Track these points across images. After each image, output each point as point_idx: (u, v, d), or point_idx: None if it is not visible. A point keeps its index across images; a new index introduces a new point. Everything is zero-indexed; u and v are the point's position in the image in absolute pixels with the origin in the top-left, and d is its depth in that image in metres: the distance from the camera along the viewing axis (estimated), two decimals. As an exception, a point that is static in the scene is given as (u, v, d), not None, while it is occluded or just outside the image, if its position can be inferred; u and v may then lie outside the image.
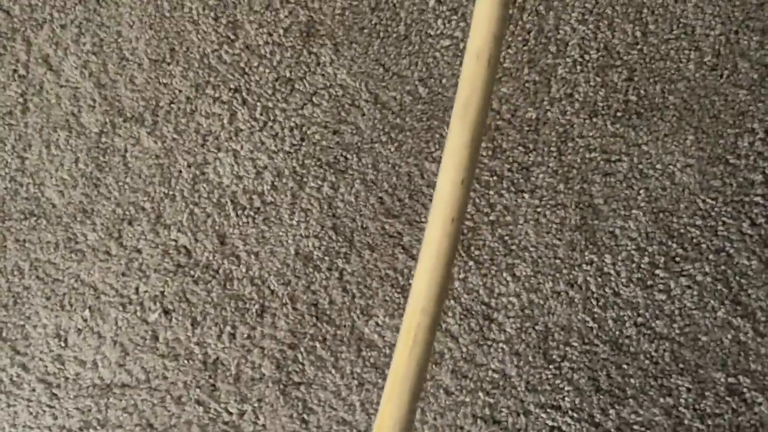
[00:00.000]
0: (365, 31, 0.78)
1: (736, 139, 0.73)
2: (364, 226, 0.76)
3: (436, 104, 0.77)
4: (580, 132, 0.74)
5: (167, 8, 0.80)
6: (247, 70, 0.79)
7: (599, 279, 0.73)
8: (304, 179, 0.77)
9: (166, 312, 0.76)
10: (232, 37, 0.80)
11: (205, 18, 0.80)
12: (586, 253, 0.73)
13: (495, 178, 0.75)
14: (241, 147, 0.78)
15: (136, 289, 0.77)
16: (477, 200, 0.75)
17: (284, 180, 0.77)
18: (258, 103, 0.79)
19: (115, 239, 0.78)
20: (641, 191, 0.73)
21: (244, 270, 0.76)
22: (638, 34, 0.75)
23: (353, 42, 0.78)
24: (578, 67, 0.75)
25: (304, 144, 0.78)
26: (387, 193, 0.77)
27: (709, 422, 0.70)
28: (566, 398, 0.72)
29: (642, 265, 0.72)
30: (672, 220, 0.73)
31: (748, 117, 0.73)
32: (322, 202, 0.77)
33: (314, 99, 0.78)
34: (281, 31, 0.79)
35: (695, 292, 0.72)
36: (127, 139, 0.79)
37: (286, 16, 0.79)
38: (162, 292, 0.77)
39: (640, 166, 0.73)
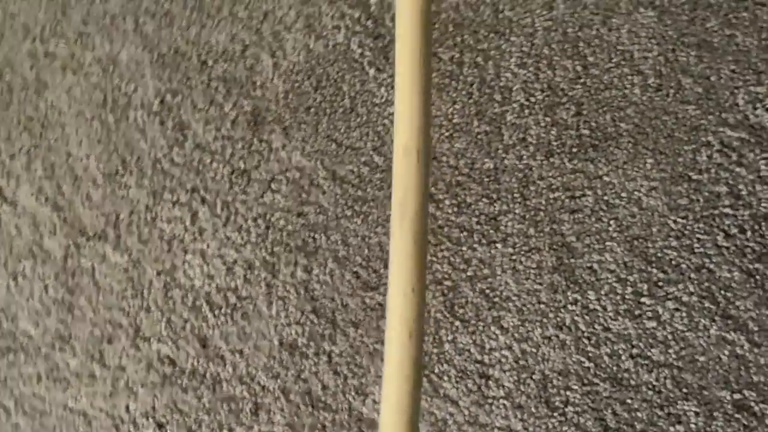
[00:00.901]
0: (311, 110, 0.87)
1: (694, 154, 0.80)
2: (345, 303, 0.83)
3: (392, 171, 0.84)
4: (540, 174, 0.82)
5: (112, 121, 0.89)
6: (201, 168, 0.87)
7: (587, 317, 0.80)
8: (276, 267, 0.84)
9: (160, 426, 0.83)
10: (181, 138, 0.88)
11: (152, 124, 0.88)
12: (569, 293, 0.80)
13: (465, 233, 0.82)
14: (208, 246, 0.85)
15: (126, 407, 0.83)
16: (452, 258, 0.82)
17: (256, 272, 0.84)
18: (217, 200, 0.86)
19: (97, 361, 0.85)
20: (611, 222, 0.80)
21: (231, 370, 0.83)
22: (579, 68, 0.83)
23: (302, 123, 0.87)
24: (526, 111, 0.83)
25: (270, 232, 0.85)
26: (361, 267, 0.84)
27: (722, 444, 0.76)
28: (575, 445, 0.77)
29: (626, 296, 0.79)
30: (647, 246, 0.80)
31: (702, 131, 0.81)
32: (297, 287, 0.84)
33: (273, 185, 0.86)
34: (229, 125, 0.87)
35: (684, 314, 0.78)
36: (93, 258, 0.87)
37: (231, 109, 0.87)
38: (153, 407, 0.83)
39: (606, 198, 0.81)
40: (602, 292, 0.78)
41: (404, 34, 0.53)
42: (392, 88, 0.85)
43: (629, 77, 0.81)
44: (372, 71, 0.85)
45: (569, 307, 0.79)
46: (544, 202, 0.80)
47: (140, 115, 0.88)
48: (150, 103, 0.88)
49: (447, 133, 0.83)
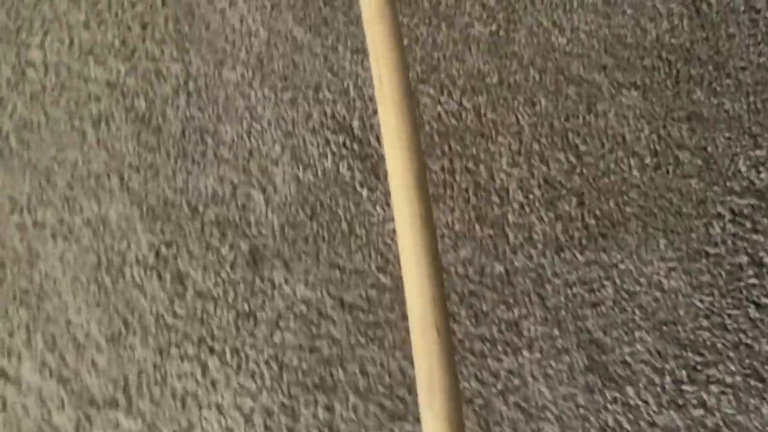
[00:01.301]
0: (310, 240, 0.88)
1: (707, 228, 0.81)
2: (373, 438, 0.82)
3: (402, 288, 0.85)
4: (553, 271, 0.83)
5: (109, 282, 0.90)
6: (205, 317, 0.88)
7: (630, 414, 0.78)
8: (296, 410, 0.84)
9: None
10: (181, 289, 0.89)
11: (149, 279, 0.90)
12: (607, 392, 0.79)
13: (487, 344, 0.82)
14: (222, 397, 0.85)
15: None
16: (478, 373, 0.81)
17: (276, 418, 0.84)
18: (226, 347, 0.87)
19: None
20: (636, 310, 0.80)
21: None
22: (572, 159, 0.85)
23: (302, 254, 0.88)
24: (527, 209, 0.85)
25: (284, 373, 0.85)
26: (385, 396, 0.83)
27: None
28: None
29: (666, 386, 0.78)
30: (678, 330, 0.79)
31: (710, 203, 0.82)
32: (321, 427, 0.83)
33: (281, 324, 0.86)
34: (228, 268, 0.89)
35: (731, 396, 0.77)
36: (106, 428, 0.86)
37: (228, 252, 0.89)
38: None
39: (625, 286, 0.81)
40: (641, 386, 0.77)
41: (400, 197, 0.55)
42: (387, 205, 0.87)
43: (625, 160, 0.83)
44: (365, 191, 0.87)
45: (609, 406, 0.78)
46: (563, 300, 0.81)
47: (137, 271, 0.89)
48: (145, 258, 0.89)
49: (450, 243, 0.84)
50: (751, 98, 0.82)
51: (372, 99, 0.88)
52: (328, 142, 0.89)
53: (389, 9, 0.64)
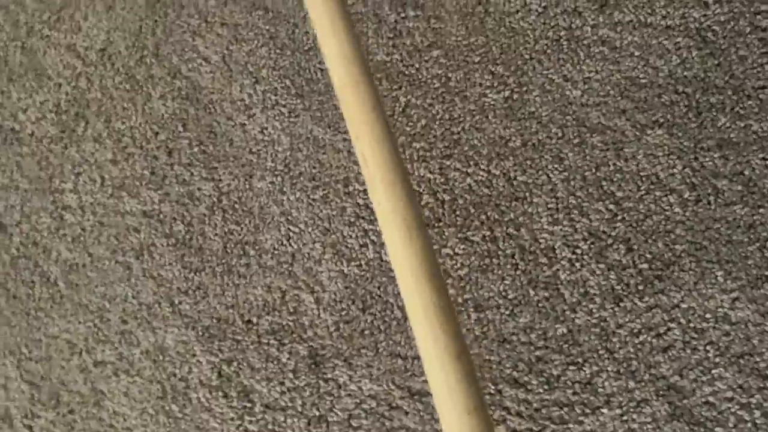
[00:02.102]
0: (366, 333, 0.92)
1: (762, 252, 0.84)
2: None
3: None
4: (617, 322, 0.86)
5: (176, 410, 0.95)
6: (276, 429, 0.91)
7: (726, 457, 0.79)
8: None
9: None
10: (249, 405, 0.93)
11: (216, 400, 0.94)
12: (697, 437, 0.80)
13: (565, 408, 0.84)
14: None
15: None
16: (560, 439, 0.83)
17: None
18: (303, 456, 0.90)
19: None
20: (708, 348, 0.82)
21: None
22: (612, 206, 0.89)
23: (361, 349, 0.92)
24: (577, 264, 0.89)
25: (365, 473, 0.88)
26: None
27: None
28: None
29: (757, 421, 0.80)
30: (756, 361, 0.81)
31: (759, 226, 0.85)
32: None
33: (353, 423, 0.90)
34: (291, 375, 0.93)
35: (827, 420, 0.78)
36: None
37: (288, 359, 0.93)
38: None
39: (692, 325, 0.83)
40: (730, 425, 0.79)
41: (409, 288, 0.54)
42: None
43: (664, 198, 0.87)
44: (412, 276, 0.92)
45: (703, 452, 0.79)
46: (632, 350, 0.83)
47: (202, 394, 0.94)
48: (208, 379, 0.94)
49: (507, 312, 0.88)
50: (777, 115, 0.86)
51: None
52: (366, 232, 0.94)
53: (362, 77, 0.64)
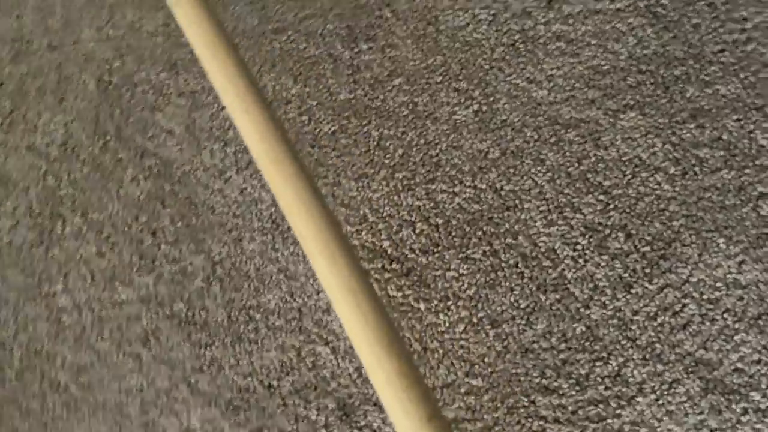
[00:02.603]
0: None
1: (756, 210, 0.87)
2: None
3: (499, 384, 0.91)
4: (632, 309, 0.88)
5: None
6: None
7: (766, 419, 0.82)
8: None
9: None
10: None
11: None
12: (734, 406, 0.83)
13: (601, 406, 0.87)
14: None
15: None
16: (602, 436, 0.86)
17: None
18: None
19: None
20: (726, 315, 0.85)
21: None
22: (602, 197, 0.93)
23: None
24: (581, 260, 0.92)
25: None
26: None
27: None
28: None
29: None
30: (774, 318, 0.84)
31: (748, 187, 0.88)
32: None
33: (395, 464, 0.92)
34: (324, 431, 0.95)
35: None
36: None
37: (318, 415, 0.95)
38: None
39: (705, 296, 0.86)
40: (764, 387, 0.82)
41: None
42: (449, 309, 0.94)
43: (651, 178, 0.90)
44: (422, 305, 0.94)
45: (742, 418, 0.82)
46: (653, 333, 0.86)
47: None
48: (242, 452, 0.96)
49: (523, 321, 0.90)
50: (741, 75, 0.90)
51: (392, 216, 0.96)
52: (367, 273, 0.97)
53: (281, 148, 0.61)
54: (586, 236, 0.89)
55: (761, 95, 0.87)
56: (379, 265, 0.97)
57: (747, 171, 0.86)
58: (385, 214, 0.98)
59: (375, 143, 1.00)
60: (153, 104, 1.12)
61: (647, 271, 0.87)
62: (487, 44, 0.99)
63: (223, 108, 1.07)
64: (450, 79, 0.99)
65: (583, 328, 0.87)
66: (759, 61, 0.88)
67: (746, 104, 0.87)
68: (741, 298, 0.84)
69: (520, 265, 0.91)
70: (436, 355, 0.92)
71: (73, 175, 1.12)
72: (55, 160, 1.14)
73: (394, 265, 0.96)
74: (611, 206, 0.89)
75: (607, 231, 0.89)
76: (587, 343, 0.87)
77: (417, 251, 0.94)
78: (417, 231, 0.95)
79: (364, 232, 0.98)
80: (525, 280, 0.90)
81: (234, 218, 1.03)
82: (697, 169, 0.88)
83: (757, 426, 0.81)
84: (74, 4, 1.19)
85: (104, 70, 1.16)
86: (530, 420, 0.85)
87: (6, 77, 1.20)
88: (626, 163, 0.90)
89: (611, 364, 0.85)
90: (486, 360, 0.89)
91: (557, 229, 0.91)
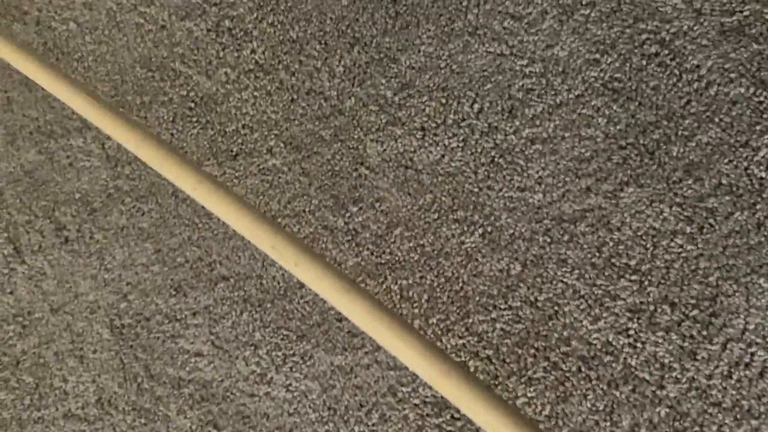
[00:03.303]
0: None
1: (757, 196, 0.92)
2: None
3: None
4: (706, 375, 0.92)
5: None
6: None
7: None
8: None
9: None
10: None
11: None
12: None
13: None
14: None
15: None
16: None
17: None
18: None
19: None
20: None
21: None
22: (634, 277, 0.97)
23: None
24: (638, 345, 0.95)
25: None
26: None
27: None
28: None
29: None
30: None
31: (766, 221, 0.93)
32: None
33: None
34: None
35: None
36: None
37: None
38: None
39: (769, 339, 0.90)
40: None
41: None
42: None
43: (672, 243, 0.95)
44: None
45: None
46: (734, 392, 0.89)
47: None
48: None
49: (608, 423, 0.93)
50: (716, 119, 0.96)
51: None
52: (438, 426, 1.00)
53: None
54: (634, 319, 0.94)
55: (741, 131, 0.93)
56: (449, 416, 1.00)
57: (758, 207, 0.92)
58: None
59: (398, 297, 1.05)
60: (172, 332, 1.16)
61: (704, 333, 0.91)
62: (468, 169, 1.05)
63: (242, 313, 1.12)
64: (446, 213, 1.05)
65: (667, 410, 0.90)
66: (726, 101, 0.95)
67: (732, 145, 0.93)
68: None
69: (583, 369, 0.94)
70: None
71: (118, 428, 1.15)
72: (95, 419, 1.17)
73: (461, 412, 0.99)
74: (646, 283, 0.94)
75: (652, 308, 0.93)
76: (677, 423, 0.90)
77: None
78: (472, 368, 0.98)
79: (420, 389, 1.01)
80: (594, 382, 0.94)
81: (289, 417, 1.06)
82: (711, 220, 0.93)
83: None
84: (61, 262, 1.24)
85: (113, 315, 1.20)
86: None
87: (20, 354, 1.24)
88: (643, 237, 0.95)
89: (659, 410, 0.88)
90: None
91: (604, 322, 0.95)
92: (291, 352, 1.10)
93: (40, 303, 1.27)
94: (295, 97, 1.17)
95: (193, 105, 1.22)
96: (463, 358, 1.00)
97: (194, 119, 1.22)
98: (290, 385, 1.09)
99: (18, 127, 1.35)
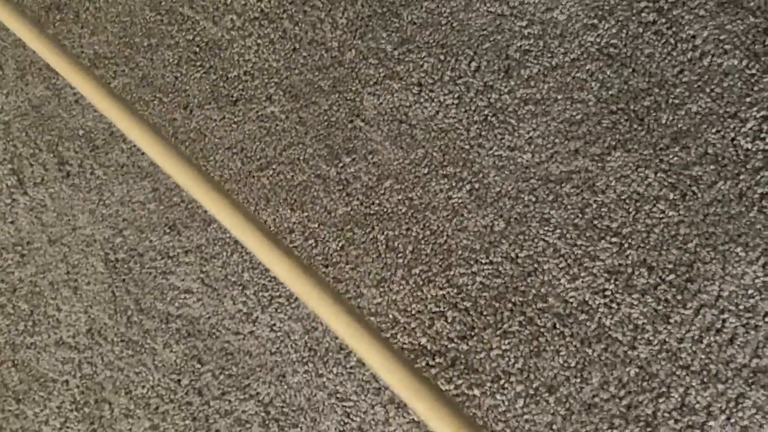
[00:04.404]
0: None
1: (763, 213, 0.92)
2: None
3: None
4: (677, 338, 0.92)
5: None
6: None
7: None
8: None
9: None
10: None
11: None
12: None
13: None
14: None
15: None
16: None
17: None
18: None
19: None
20: (767, 319, 0.89)
21: None
22: (614, 239, 0.97)
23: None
24: (614, 305, 0.95)
25: None
26: None
27: None
28: None
29: None
30: None
31: (748, 191, 0.93)
32: None
33: None
34: None
35: None
36: None
37: None
38: None
39: (741, 306, 0.90)
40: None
41: None
42: (504, 390, 0.97)
43: (654, 209, 0.95)
44: (476, 392, 0.97)
45: None
46: (704, 356, 0.89)
47: None
48: None
49: (578, 379, 0.93)
50: (707, 89, 0.95)
51: (421, 311, 1.00)
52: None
53: None
54: (611, 280, 0.93)
55: (731, 102, 0.92)
56: (424, 363, 1.00)
57: (742, 177, 0.91)
58: (413, 311, 1.02)
59: (384, 247, 1.05)
60: (164, 269, 1.17)
61: (678, 297, 0.91)
62: (460, 126, 1.04)
63: (233, 254, 1.13)
64: (436, 168, 1.04)
65: (636, 370, 0.90)
66: (718, 72, 0.94)
67: (720, 115, 0.92)
68: (776, 299, 0.87)
69: (558, 326, 0.95)
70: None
71: (106, 358, 1.16)
72: (85, 348, 1.19)
73: (437, 359, 1.00)
74: (626, 245, 0.94)
75: (630, 270, 0.93)
76: (645, 383, 0.90)
77: (455, 340, 0.98)
78: (449, 320, 0.99)
79: (399, 335, 1.01)
80: (567, 339, 0.94)
81: (272, 356, 1.07)
82: (694, 188, 0.92)
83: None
84: (61, 195, 1.25)
85: (108, 249, 1.21)
86: (615, 476, 0.87)
87: (17, 282, 1.26)
88: (627, 201, 0.95)
89: (674, 397, 0.88)
90: (554, 427, 0.92)
91: (582, 282, 0.95)
92: (277, 293, 1.11)
93: (39, 234, 1.28)
94: (297, 46, 1.17)
95: (197, 49, 1.22)
96: (442, 309, 1.01)
97: (198, 63, 1.22)
98: (274, 325, 1.10)
99: (28, 62, 1.35)
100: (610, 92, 0.97)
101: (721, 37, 0.94)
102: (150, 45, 1.24)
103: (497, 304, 0.97)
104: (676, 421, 0.87)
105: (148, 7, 1.26)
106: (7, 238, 1.28)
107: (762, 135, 0.90)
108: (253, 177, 1.15)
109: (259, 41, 1.17)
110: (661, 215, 0.92)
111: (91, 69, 1.23)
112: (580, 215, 0.96)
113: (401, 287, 1.02)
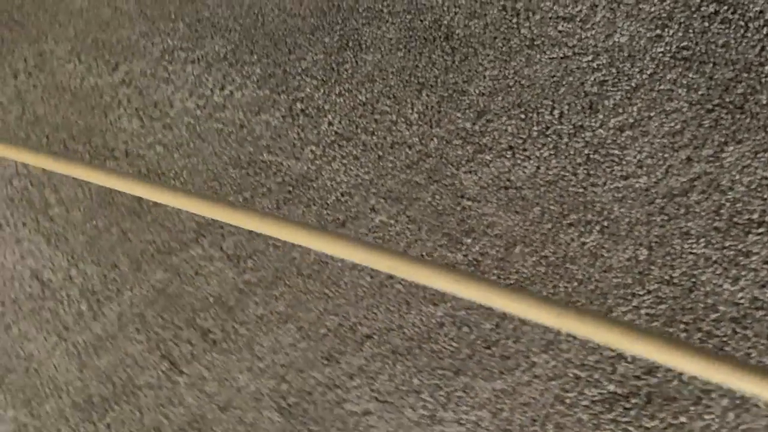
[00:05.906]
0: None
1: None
2: None
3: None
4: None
5: None
6: None
7: None
8: None
9: None
10: None
11: None
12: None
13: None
14: None
15: None
16: None
17: None
18: None
19: None
20: None
21: None
22: (761, 230, 0.96)
23: None
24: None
25: None
26: None
27: None
28: None
29: None
30: None
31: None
32: None
33: None
34: None
35: None
36: None
37: None
38: None
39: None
40: None
41: None
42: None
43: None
44: None
45: None
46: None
47: None
48: None
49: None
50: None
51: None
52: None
53: None
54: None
55: None
56: (620, 409, 1.00)
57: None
58: (591, 363, 1.01)
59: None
60: (336, 399, 1.20)
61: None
62: (566, 173, 1.05)
63: (395, 364, 1.15)
64: (559, 219, 1.05)
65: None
66: (800, 37, 0.93)
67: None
68: None
69: (738, 330, 0.94)
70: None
71: None
72: None
73: (633, 401, 0.99)
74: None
75: (789, 254, 0.92)
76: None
77: (642, 376, 0.97)
78: (629, 359, 0.98)
79: (585, 390, 1.02)
80: (753, 340, 0.93)
81: None
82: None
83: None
84: (215, 363, 1.30)
85: (277, 398, 1.25)
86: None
87: (206, 456, 1.30)
88: (758, 189, 0.94)
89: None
90: None
91: (745, 280, 0.94)
92: (452, 388, 1.13)
93: (207, 405, 1.33)
94: (381, 154, 1.20)
95: (291, 188, 1.27)
96: (616, 351, 1.01)
97: (296, 200, 1.26)
98: (460, 419, 1.11)
99: (139, 252, 1.42)
100: (699, 93, 0.97)
101: (789, 3, 0.94)
102: (245, 199, 1.29)
103: (671, 329, 0.97)
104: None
105: (230, 166, 1.31)
106: (180, 419, 1.33)
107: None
108: (386, 287, 1.18)
109: (344, 161, 1.21)
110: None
111: (198, 238, 1.29)
112: (718, 218, 0.95)
113: (570, 344, 1.03)
